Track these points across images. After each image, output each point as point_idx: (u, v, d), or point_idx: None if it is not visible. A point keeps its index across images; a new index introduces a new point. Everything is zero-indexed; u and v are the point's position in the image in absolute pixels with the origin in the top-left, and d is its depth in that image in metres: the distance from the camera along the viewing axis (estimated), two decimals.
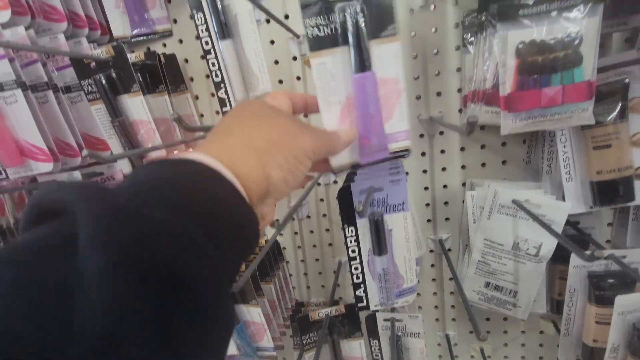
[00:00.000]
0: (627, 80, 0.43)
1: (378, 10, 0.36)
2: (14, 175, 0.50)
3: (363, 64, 0.37)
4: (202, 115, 0.70)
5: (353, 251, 0.50)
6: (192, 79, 0.68)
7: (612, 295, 0.48)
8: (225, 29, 0.46)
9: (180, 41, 0.65)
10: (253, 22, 0.46)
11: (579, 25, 0.36)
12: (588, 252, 0.33)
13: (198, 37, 0.48)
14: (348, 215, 0.49)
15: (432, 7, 0.56)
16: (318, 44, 0.38)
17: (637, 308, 0.40)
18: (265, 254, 0.61)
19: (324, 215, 0.73)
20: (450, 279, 0.72)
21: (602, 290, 0.48)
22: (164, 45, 0.66)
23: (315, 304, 0.78)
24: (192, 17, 0.47)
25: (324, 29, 0.38)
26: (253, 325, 0.63)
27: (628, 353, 0.42)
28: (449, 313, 0.75)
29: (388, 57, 0.37)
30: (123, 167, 0.60)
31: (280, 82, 0.65)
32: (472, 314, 0.47)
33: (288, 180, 0.28)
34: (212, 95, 0.68)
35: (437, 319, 0.76)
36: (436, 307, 0.75)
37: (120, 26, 0.63)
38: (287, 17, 0.61)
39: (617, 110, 0.44)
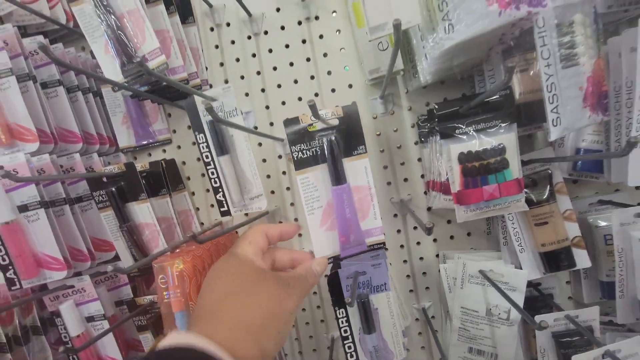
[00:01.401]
0: (549, 171, 0.54)
1: (351, 136, 0.46)
2: (27, 285, 0.54)
3: (339, 178, 0.47)
4: (197, 209, 0.77)
5: (345, 331, 0.55)
6: (188, 178, 0.76)
7: (575, 353, 0.54)
8: (223, 147, 0.56)
9: (179, 147, 0.75)
10: (247, 140, 0.56)
11: (501, 139, 0.47)
12: (538, 321, 0.41)
13: (200, 153, 0.57)
14: (338, 299, 0.55)
15: (391, 112, 0.68)
16: (302, 164, 0.48)
17: None
18: None
19: (315, 293, 0.78)
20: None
21: (566, 349, 0.55)
22: (164, 151, 0.75)
23: None
24: (195, 138, 0.56)
25: (306, 152, 0.47)
26: None
27: None
28: None
29: (360, 169, 0.47)
30: (126, 265, 0.65)
31: (268, 176, 0.74)
32: None
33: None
34: (207, 191, 0.76)
35: None
36: None
37: (126, 139, 0.72)
38: (272, 124, 0.72)
39: (547, 193, 0.55)
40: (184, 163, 0.75)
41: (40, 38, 0.59)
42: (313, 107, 0.37)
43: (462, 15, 0.41)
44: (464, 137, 0.48)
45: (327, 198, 0.48)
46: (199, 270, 0.56)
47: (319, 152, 0.48)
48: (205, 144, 0.57)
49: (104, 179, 0.61)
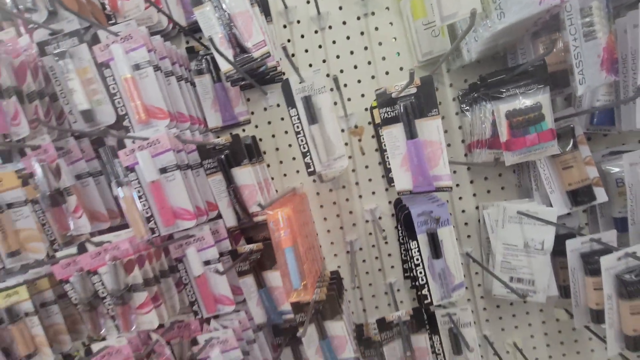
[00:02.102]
0: (572, 126, 0.69)
1: (426, 101, 0.61)
2: (164, 233, 0.68)
3: (411, 133, 0.62)
4: (272, 178, 0.91)
5: (417, 259, 0.70)
6: (264, 152, 0.90)
7: (599, 267, 0.69)
8: (314, 117, 0.70)
9: (256, 126, 0.89)
10: (332, 111, 0.70)
11: (538, 99, 0.62)
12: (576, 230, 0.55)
13: (292, 124, 0.71)
14: (411, 233, 0.69)
15: (435, 89, 0.83)
16: (387, 122, 0.62)
17: (615, 265, 0.61)
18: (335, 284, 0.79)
19: (373, 245, 0.92)
20: (479, 285, 0.91)
21: (592, 264, 0.69)
22: (243, 130, 0.89)
23: (373, 325, 0.93)
24: (288, 112, 0.70)
25: (390, 113, 0.62)
26: (337, 340, 0.78)
27: (618, 298, 0.62)
28: (482, 315, 0.93)
29: (433, 128, 0.62)
30: (227, 222, 0.79)
31: None
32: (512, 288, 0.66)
33: None
34: (280, 162, 0.90)
35: (474, 322, 0.93)
36: (472, 311, 0.92)
37: (214, 120, 0.86)
38: (335, 103, 0.86)
39: (571, 144, 0.70)
40: (260, 140, 0.90)
41: (157, 37, 0.73)
42: (412, 74, 0.51)
43: (511, 4, 0.56)
44: (510, 98, 0.63)
45: (405, 148, 0.63)
46: (296, 219, 0.71)
47: (399, 113, 0.62)
48: (297, 116, 0.71)
49: (212, 150, 0.75)
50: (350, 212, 0.91)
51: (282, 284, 0.76)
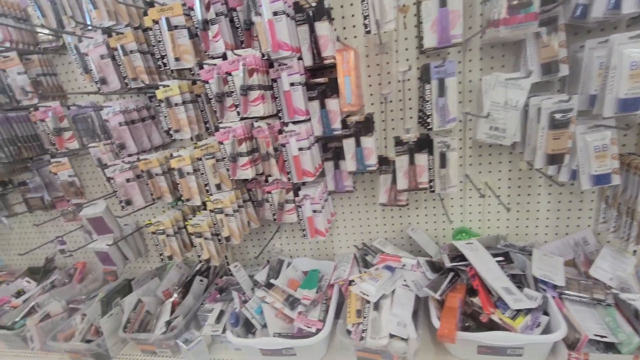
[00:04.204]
0: (556, 15, 0.99)
1: None
2: (272, 57, 1.07)
3: (444, 3, 0.94)
4: (337, 38, 1.26)
5: (429, 97, 1.07)
6: (333, 19, 1.24)
7: (562, 122, 1.05)
8: None
9: None
10: None
11: None
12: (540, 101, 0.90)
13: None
14: (427, 78, 1.06)
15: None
16: None
17: (551, 107, 0.97)
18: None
19: (400, 100, 1.30)
20: (470, 138, 1.29)
21: (555, 117, 1.05)
22: None
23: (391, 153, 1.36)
24: None
25: None
26: (366, 150, 1.21)
27: (548, 129, 0.99)
28: (467, 160, 1.33)
29: (456, 0, 0.93)
30: (306, 61, 1.16)
31: None
32: None
33: None
34: (344, 28, 1.24)
35: (460, 165, 1.34)
36: (461, 157, 1.33)
37: None
38: None
39: (554, 29, 1.00)
40: (332, 8, 1.22)
41: None
42: None
43: None
44: None
45: (435, 14, 0.97)
46: (354, 62, 1.08)
47: None
48: None
49: (304, 7, 1.09)
50: (388, 73, 1.27)
51: (337, 107, 1.17)
